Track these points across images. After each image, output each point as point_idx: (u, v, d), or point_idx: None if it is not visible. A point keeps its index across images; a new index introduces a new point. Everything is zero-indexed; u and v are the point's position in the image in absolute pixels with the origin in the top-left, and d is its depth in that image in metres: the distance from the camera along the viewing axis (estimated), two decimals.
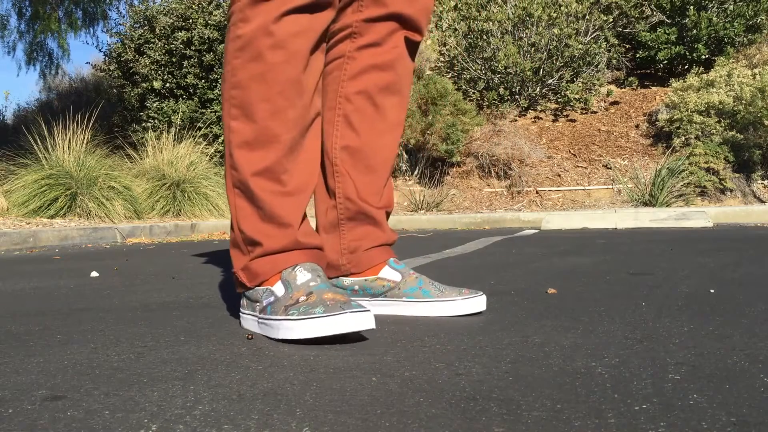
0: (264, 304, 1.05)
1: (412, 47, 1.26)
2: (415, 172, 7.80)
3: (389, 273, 1.23)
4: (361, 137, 1.23)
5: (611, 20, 8.59)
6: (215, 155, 6.83)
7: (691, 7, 8.31)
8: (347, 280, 1.25)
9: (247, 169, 1.08)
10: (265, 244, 1.08)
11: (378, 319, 1.16)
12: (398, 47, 1.23)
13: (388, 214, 1.29)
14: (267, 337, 1.03)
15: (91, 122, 5.38)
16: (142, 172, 5.82)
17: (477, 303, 1.19)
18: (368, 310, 0.96)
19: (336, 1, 1.10)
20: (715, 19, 8.29)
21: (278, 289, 1.05)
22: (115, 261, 2.69)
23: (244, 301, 1.13)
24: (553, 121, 8.61)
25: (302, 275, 1.05)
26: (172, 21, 7.45)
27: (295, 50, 1.05)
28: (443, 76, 8.25)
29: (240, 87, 1.07)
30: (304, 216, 1.13)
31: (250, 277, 1.09)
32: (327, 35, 1.13)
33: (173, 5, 7.58)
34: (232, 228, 1.13)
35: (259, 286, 1.09)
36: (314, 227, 1.23)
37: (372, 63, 1.21)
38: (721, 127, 7.27)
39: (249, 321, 1.10)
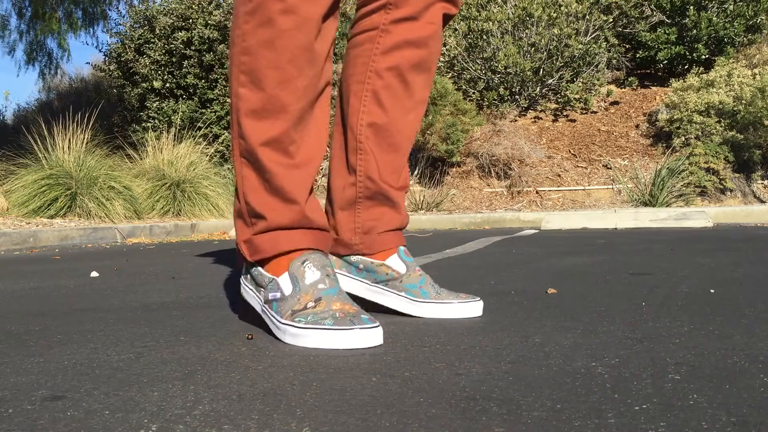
0: (270, 297, 1.04)
1: (446, 21, 1.24)
2: (415, 172, 7.81)
3: (396, 262, 1.22)
4: (389, 114, 1.21)
5: (611, 20, 8.59)
6: (215, 155, 6.83)
7: (691, 7, 8.32)
8: (354, 257, 1.25)
9: (255, 138, 1.04)
10: (269, 218, 1.05)
11: (378, 319, 1.16)
12: (434, 23, 1.19)
13: (405, 194, 1.29)
14: (269, 337, 1.03)
15: (91, 122, 5.38)
16: (142, 172, 5.82)
17: (473, 308, 1.18)
18: (377, 326, 0.95)
19: None
20: (715, 19, 8.29)
21: (285, 284, 1.03)
22: (115, 261, 2.69)
23: (245, 274, 1.13)
24: (553, 121, 8.61)
25: (311, 273, 1.03)
26: (172, 21, 7.46)
27: (306, 16, 1.01)
28: (443, 76, 8.25)
29: (249, 53, 1.03)
30: (311, 191, 1.10)
31: (251, 251, 1.08)
32: (340, 1, 1.09)
33: (173, 5, 7.58)
34: (237, 198, 1.10)
35: (261, 265, 1.07)
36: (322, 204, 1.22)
37: (406, 38, 1.18)
38: (721, 127, 7.27)
39: (250, 295, 1.11)
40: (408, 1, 1.17)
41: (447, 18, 1.23)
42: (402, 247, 1.24)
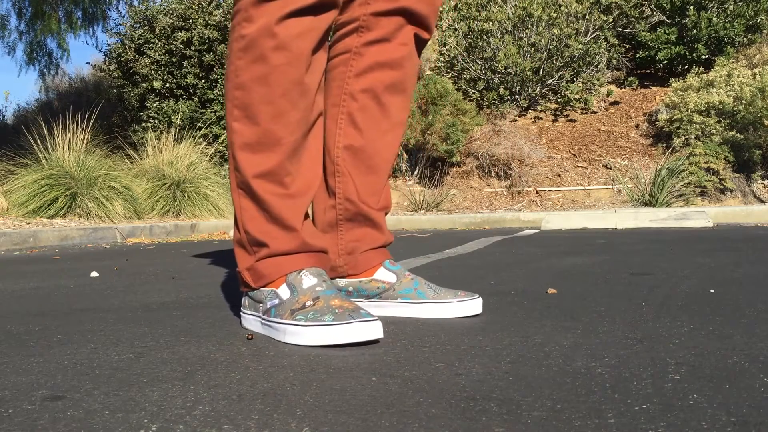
0: (268, 306, 1.05)
1: (420, 45, 1.24)
2: (415, 172, 7.80)
3: (384, 274, 1.22)
4: (365, 136, 1.22)
5: (611, 20, 8.59)
6: (215, 155, 6.83)
7: (691, 7, 8.31)
8: (342, 281, 1.25)
9: (249, 171, 1.06)
10: (271, 245, 1.07)
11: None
12: (407, 44, 1.21)
13: (386, 214, 1.29)
14: (269, 337, 1.03)
15: (91, 122, 5.38)
16: (142, 172, 5.82)
17: (473, 306, 1.18)
18: (377, 319, 0.96)
19: (340, 1, 1.08)
20: (715, 19, 8.29)
21: (283, 292, 1.04)
22: (115, 261, 2.69)
23: (245, 301, 1.12)
24: (553, 121, 8.61)
25: (308, 279, 1.05)
26: (172, 21, 7.45)
27: (298, 52, 1.03)
28: (443, 76, 8.25)
29: (243, 88, 1.05)
30: (306, 216, 1.12)
31: (255, 278, 1.08)
32: (330, 32, 1.12)
33: (173, 5, 7.58)
34: (237, 227, 1.12)
35: (264, 287, 1.08)
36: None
37: (379, 60, 1.19)
38: (721, 127, 7.27)
39: (251, 321, 1.10)
40: (379, 24, 1.18)
41: (421, 42, 1.24)
42: (387, 261, 1.24)
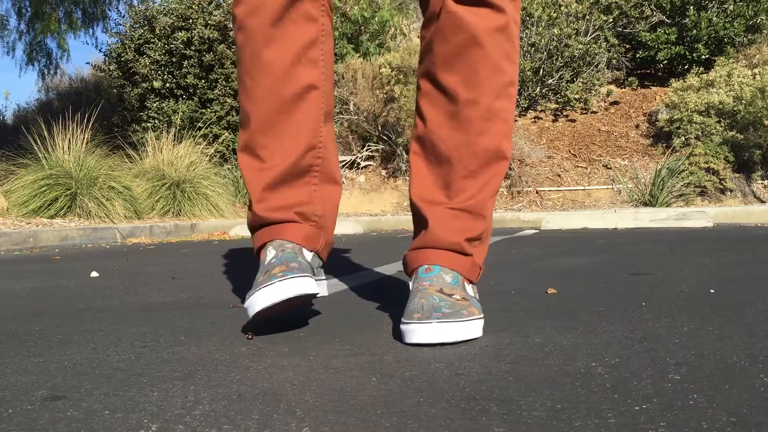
0: None
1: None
2: None
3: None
4: (428, 125, 1.25)
5: (611, 20, 8.59)
6: (215, 155, 6.83)
7: (691, 7, 8.32)
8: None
9: (238, 146, 1.15)
10: (250, 220, 1.15)
11: (379, 319, 1.16)
12: (451, 12, 1.11)
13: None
14: (269, 337, 1.03)
15: (91, 122, 5.38)
16: (142, 172, 5.82)
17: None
18: (308, 276, 0.98)
19: None
20: (715, 19, 8.29)
21: (259, 268, 1.08)
22: (115, 261, 2.69)
23: None
24: (553, 121, 8.61)
25: (269, 253, 1.06)
26: (172, 21, 7.45)
27: (251, 29, 1.07)
28: None
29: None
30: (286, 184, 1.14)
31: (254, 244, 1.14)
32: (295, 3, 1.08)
33: (173, 5, 7.58)
34: None
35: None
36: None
37: (427, 38, 1.17)
38: (721, 127, 7.27)
39: None
40: (430, 3, 1.09)
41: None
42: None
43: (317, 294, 1.03)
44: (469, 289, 1.08)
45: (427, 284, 1.03)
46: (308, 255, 1.09)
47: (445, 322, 0.94)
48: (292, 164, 1.11)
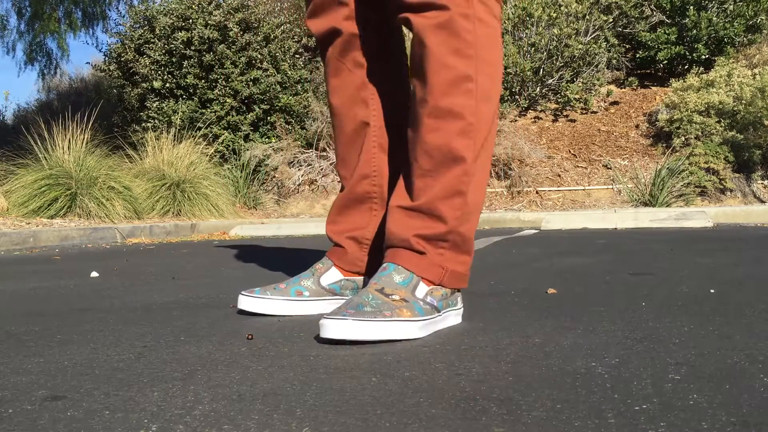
0: None
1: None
2: None
3: None
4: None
5: (611, 20, 8.59)
6: (215, 155, 6.83)
7: (691, 7, 8.31)
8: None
9: None
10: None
11: None
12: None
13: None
14: (269, 337, 1.03)
15: (91, 122, 5.38)
16: (142, 172, 5.82)
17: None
18: (265, 297, 1.22)
19: (341, 29, 1.22)
20: (715, 19, 8.29)
21: None
22: (115, 261, 2.69)
23: None
24: (553, 121, 8.61)
25: (332, 276, 1.29)
26: (172, 21, 7.45)
27: (327, 82, 1.31)
28: None
29: None
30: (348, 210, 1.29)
31: None
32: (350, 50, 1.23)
33: (173, 5, 7.58)
34: None
35: None
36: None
37: None
38: (721, 127, 7.27)
39: None
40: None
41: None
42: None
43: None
44: (423, 291, 1.06)
45: (374, 282, 1.06)
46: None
47: (358, 320, 0.95)
48: (349, 190, 1.27)
